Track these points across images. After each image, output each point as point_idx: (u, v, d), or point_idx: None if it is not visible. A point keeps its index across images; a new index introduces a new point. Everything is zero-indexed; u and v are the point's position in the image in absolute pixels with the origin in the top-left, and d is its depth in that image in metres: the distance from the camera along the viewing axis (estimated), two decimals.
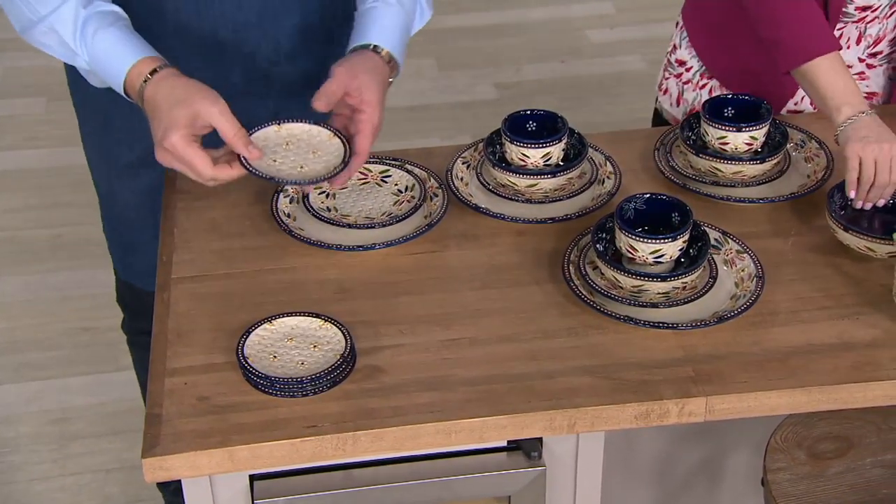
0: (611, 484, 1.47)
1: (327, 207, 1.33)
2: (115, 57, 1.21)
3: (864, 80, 1.52)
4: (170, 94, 1.17)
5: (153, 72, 1.19)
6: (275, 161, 1.24)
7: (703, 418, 1.10)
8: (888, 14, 1.45)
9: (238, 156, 1.20)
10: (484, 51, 3.45)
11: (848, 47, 1.48)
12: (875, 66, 1.51)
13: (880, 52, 1.50)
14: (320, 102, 1.24)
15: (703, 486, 1.56)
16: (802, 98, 1.54)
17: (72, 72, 1.43)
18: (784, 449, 1.31)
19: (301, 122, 1.28)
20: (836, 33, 1.46)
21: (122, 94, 1.22)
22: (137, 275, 1.58)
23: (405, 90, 3.29)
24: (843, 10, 1.44)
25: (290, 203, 1.36)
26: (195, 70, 1.24)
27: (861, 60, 1.50)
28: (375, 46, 1.30)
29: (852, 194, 1.28)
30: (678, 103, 1.65)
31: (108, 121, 1.45)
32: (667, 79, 1.65)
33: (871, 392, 1.10)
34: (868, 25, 1.46)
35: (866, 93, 1.52)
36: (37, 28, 1.22)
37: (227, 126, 1.18)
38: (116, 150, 1.47)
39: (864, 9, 1.45)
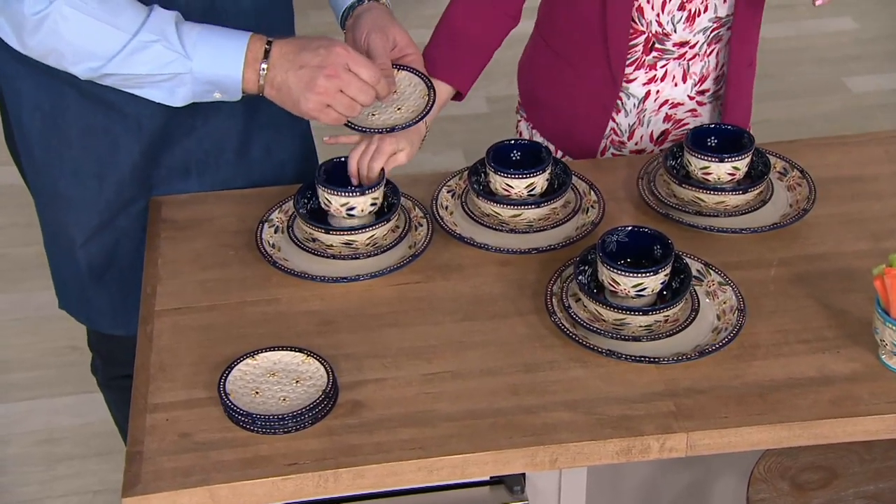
0: None
1: (312, 238, 1.33)
2: (225, 42, 1.21)
3: (697, 116, 1.56)
4: (303, 37, 1.23)
5: (269, 42, 1.22)
6: (373, 115, 1.30)
7: (684, 454, 1.10)
8: (707, 52, 1.49)
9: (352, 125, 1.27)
10: None
11: (675, 85, 1.52)
12: (705, 104, 1.55)
13: (707, 90, 1.54)
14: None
15: None
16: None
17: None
18: (767, 479, 1.32)
19: None
20: (661, 71, 1.51)
21: (237, 73, 1.21)
22: (134, 322, 1.55)
23: None
24: (662, 46, 1.48)
25: (275, 233, 1.36)
26: None
27: (691, 98, 1.54)
28: None
29: None
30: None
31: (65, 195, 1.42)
32: (519, 122, 1.70)
33: (852, 427, 1.10)
34: (690, 63, 1.50)
35: None
36: (130, 45, 1.18)
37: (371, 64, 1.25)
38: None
39: (683, 44, 1.48)
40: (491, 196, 1.36)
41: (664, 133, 1.56)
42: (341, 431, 1.10)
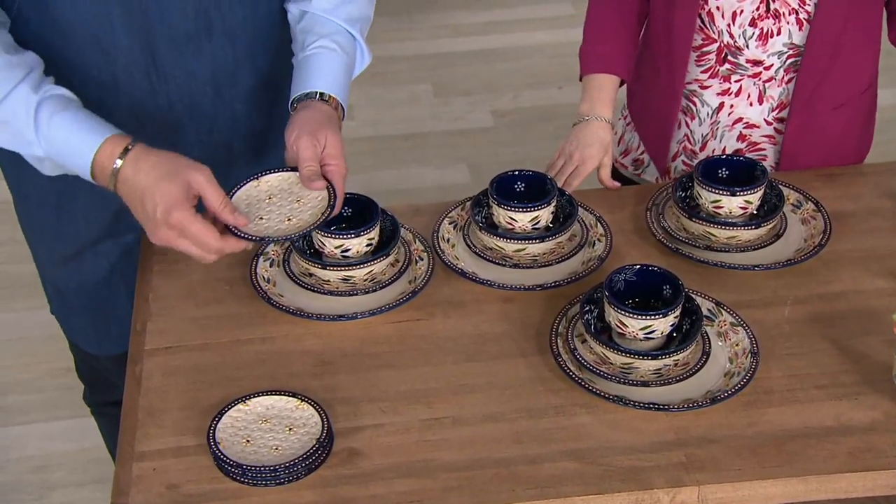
0: None
1: (308, 273, 1.29)
2: (78, 140, 1.13)
3: (775, 144, 1.50)
4: (152, 169, 1.12)
5: (125, 151, 1.13)
6: (261, 219, 1.20)
7: None
8: (786, 79, 1.44)
9: (226, 224, 1.17)
10: (481, 76, 3.41)
11: (751, 104, 1.47)
12: (784, 133, 1.49)
13: (786, 120, 1.48)
14: (319, 183, 1.20)
15: None
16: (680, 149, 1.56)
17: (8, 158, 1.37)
18: None
19: (278, 171, 1.25)
20: (735, 86, 1.46)
21: (88, 178, 1.15)
22: (105, 343, 1.52)
23: (400, 117, 3.25)
24: (735, 60, 1.44)
25: (271, 267, 1.31)
26: (153, 146, 1.17)
27: (769, 123, 1.49)
28: (322, 94, 1.27)
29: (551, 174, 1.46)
30: (619, 142, 1.65)
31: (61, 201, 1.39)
32: (619, 119, 1.66)
33: (872, 482, 1.05)
34: (766, 85, 1.45)
35: (775, 163, 1.51)
36: None
37: (215, 195, 1.13)
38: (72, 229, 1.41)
39: (756, 63, 1.43)
40: (494, 229, 1.31)
41: (737, 153, 1.51)
42: (336, 483, 1.05)
